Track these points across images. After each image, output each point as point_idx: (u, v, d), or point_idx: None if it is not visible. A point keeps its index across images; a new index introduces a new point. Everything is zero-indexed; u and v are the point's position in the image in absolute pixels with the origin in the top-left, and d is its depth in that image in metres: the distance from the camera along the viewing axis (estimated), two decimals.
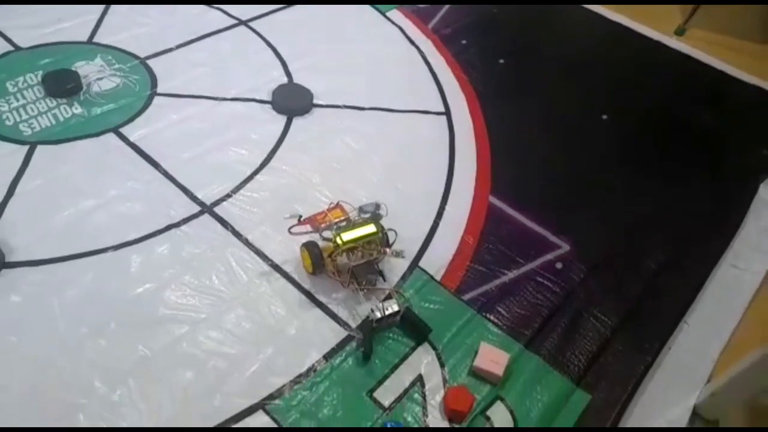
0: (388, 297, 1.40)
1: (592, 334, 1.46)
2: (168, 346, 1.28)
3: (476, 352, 1.35)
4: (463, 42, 2.30)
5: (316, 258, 1.41)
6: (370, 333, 1.33)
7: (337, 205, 1.47)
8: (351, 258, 1.38)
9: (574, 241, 1.67)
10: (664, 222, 1.77)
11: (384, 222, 1.48)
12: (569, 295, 1.54)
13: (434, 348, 1.38)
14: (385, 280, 1.45)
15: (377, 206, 1.46)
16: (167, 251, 1.44)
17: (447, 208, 1.69)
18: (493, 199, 1.75)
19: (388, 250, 1.43)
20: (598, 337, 1.46)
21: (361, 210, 1.45)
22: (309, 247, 1.42)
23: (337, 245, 1.38)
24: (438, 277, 1.51)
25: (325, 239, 1.43)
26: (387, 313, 1.34)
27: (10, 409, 1.15)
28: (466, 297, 1.49)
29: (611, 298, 1.54)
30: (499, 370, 1.30)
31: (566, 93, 2.18)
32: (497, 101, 2.07)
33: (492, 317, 1.46)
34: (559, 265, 1.61)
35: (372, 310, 1.34)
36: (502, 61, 2.26)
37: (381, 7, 2.38)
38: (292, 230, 1.43)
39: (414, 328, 1.37)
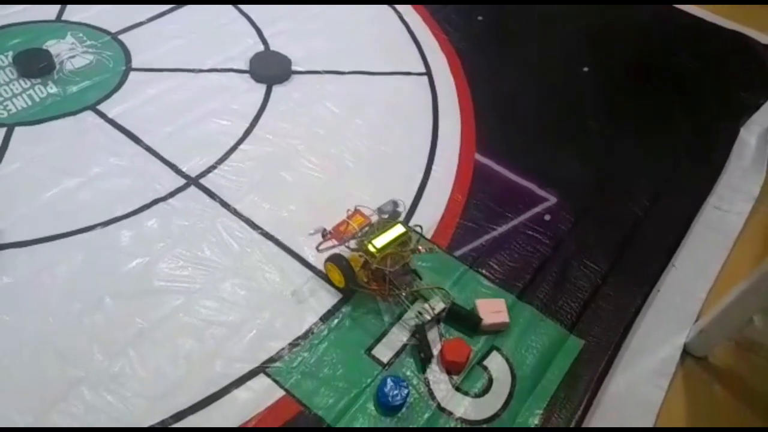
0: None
1: (582, 281, 1.49)
2: (165, 317, 1.29)
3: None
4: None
5: (348, 271, 1.30)
6: (424, 334, 1.30)
7: (356, 212, 1.37)
8: (387, 264, 1.28)
9: (561, 193, 1.69)
10: (648, 168, 1.79)
11: (372, 184, 1.48)
12: (558, 245, 1.56)
13: (429, 304, 1.39)
14: (421, 278, 1.39)
15: (395, 204, 1.37)
16: (156, 225, 1.44)
17: (434, 167, 1.70)
18: (479, 157, 1.75)
19: (421, 248, 1.36)
20: (589, 284, 1.49)
21: (380, 211, 1.36)
22: (336, 261, 1.31)
23: (372, 254, 1.27)
24: (429, 236, 1.53)
25: (351, 249, 1.33)
26: (436, 312, 1.31)
27: (13, 388, 1.15)
28: (458, 253, 1.50)
29: (599, 245, 1.56)
30: (504, 317, 1.34)
31: (546, 47, 2.18)
32: (478, 58, 2.06)
33: (484, 271, 1.48)
34: (547, 217, 1.63)
35: (420, 313, 1.30)
36: (480, 17, 2.24)
37: None
38: (320, 248, 1.35)
39: (464, 321, 1.33)
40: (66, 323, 1.24)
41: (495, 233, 1.57)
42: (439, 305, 1.32)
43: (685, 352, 1.40)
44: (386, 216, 1.37)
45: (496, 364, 1.31)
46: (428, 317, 1.31)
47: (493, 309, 1.35)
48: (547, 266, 1.52)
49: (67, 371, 1.18)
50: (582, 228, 1.61)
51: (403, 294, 1.32)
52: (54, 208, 1.43)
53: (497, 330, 1.35)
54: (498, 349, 1.33)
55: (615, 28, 2.31)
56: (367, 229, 1.34)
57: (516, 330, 1.37)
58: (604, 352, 1.35)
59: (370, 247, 1.28)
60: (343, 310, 1.36)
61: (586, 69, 2.10)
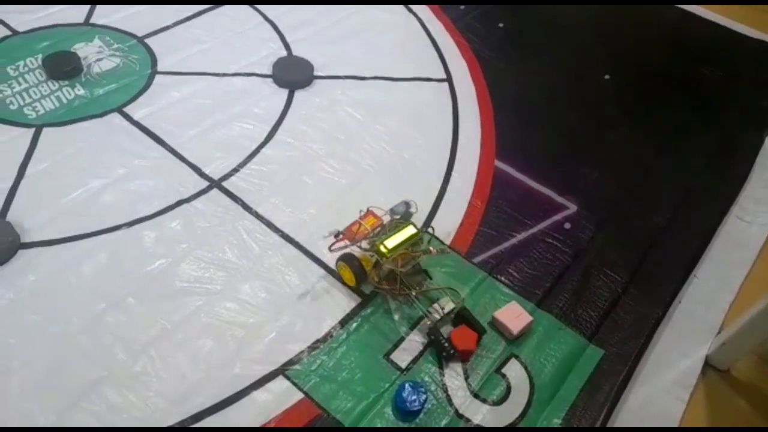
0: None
1: (602, 290, 1.48)
2: (186, 317, 1.30)
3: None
4: (462, 7, 2.28)
5: (359, 270, 1.33)
6: (439, 334, 1.29)
7: (369, 213, 1.38)
8: (397, 264, 1.30)
9: (581, 201, 1.68)
10: (670, 178, 1.78)
11: (391, 190, 1.49)
12: (579, 253, 1.55)
13: None
14: (431, 278, 1.39)
15: (407, 205, 1.39)
16: (179, 227, 1.46)
17: (453, 174, 1.70)
18: (498, 163, 1.75)
19: (433, 249, 1.37)
20: (609, 293, 1.47)
21: (392, 212, 1.38)
22: (347, 260, 1.33)
23: (383, 254, 1.29)
24: (448, 242, 1.53)
25: (363, 249, 1.35)
26: (445, 312, 1.31)
27: (36, 385, 1.17)
28: (477, 260, 1.50)
29: (620, 254, 1.55)
30: (515, 328, 1.32)
31: (568, 54, 2.17)
32: (499, 65, 2.06)
33: (503, 278, 1.47)
34: (567, 225, 1.62)
35: (429, 312, 1.30)
36: (501, 24, 2.24)
37: None
38: (332, 248, 1.34)
39: (471, 326, 1.32)
40: (90, 322, 1.27)
41: (514, 240, 1.57)
42: (449, 305, 1.33)
43: (707, 365, 1.38)
44: (398, 217, 1.38)
45: (514, 371, 1.31)
46: (438, 316, 1.30)
47: (513, 315, 1.35)
48: (566, 275, 1.51)
49: (90, 370, 1.20)
50: (602, 237, 1.60)
51: (413, 293, 1.33)
52: (79, 208, 1.46)
53: (501, 332, 1.35)
54: (517, 357, 1.33)
55: (637, 36, 2.30)
56: (379, 229, 1.35)
57: (535, 338, 1.36)
58: (624, 362, 1.34)
59: (382, 248, 1.30)
60: (362, 314, 1.36)
61: (607, 77, 2.09)
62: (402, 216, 1.38)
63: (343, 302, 1.37)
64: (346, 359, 1.28)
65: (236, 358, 1.26)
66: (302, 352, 1.28)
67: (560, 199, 1.69)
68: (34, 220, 1.42)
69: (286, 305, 1.35)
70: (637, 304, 1.45)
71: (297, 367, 1.26)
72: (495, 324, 1.36)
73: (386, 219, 1.38)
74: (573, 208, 1.67)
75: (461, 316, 1.33)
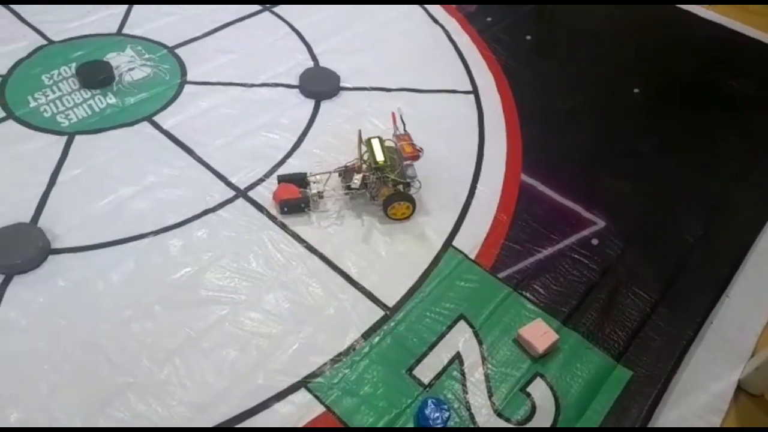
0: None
1: (631, 309, 1.45)
2: (211, 326, 1.31)
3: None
4: (488, 19, 2.28)
5: (405, 196, 1.52)
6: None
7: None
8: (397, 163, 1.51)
9: (609, 216, 1.65)
10: (701, 194, 1.74)
11: (418, 203, 1.56)
12: (606, 270, 1.53)
13: (471, 326, 1.38)
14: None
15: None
16: (205, 235, 1.47)
17: (479, 186, 1.68)
18: (524, 177, 1.73)
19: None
20: (638, 312, 1.44)
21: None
22: (396, 199, 1.52)
23: (383, 164, 1.48)
24: (472, 256, 1.51)
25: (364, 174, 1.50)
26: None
27: (64, 390, 1.18)
28: (502, 275, 1.48)
29: (649, 272, 1.52)
30: (540, 346, 1.30)
31: (596, 67, 2.14)
32: (525, 78, 2.05)
33: (528, 294, 1.45)
34: (594, 241, 1.59)
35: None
36: (528, 37, 2.23)
37: None
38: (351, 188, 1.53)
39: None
40: (116, 329, 1.28)
41: (540, 256, 1.55)
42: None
43: (740, 389, 1.34)
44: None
45: (539, 391, 1.28)
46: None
47: (538, 333, 1.33)
48: (594, 292, 1.48)
49: (116, 376, 1.21)
50: (631, 254, 1.57)
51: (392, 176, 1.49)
52: (109, 216, 1.48)
53: (525, 350, 1.33)
54: (542, 376, 1.30)
55: (668, 49, 2.26)
56: (358, 162, 1.51)
57: (561, 356, 1.34)
58: (653, 384, 1.31)
59: (378, 160, 1.48)
60: (385, 327, 1.36)
61: (636, 91, 2.06)
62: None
63: (366, 315, 1.37)
64: (369, 373, 1.27)
65: (259, 368, 1.26)
66: (325, 364, 1.28)
67: (587, 215, 1.66)
68: (64, 226, 1.44)
69: (310, 317, 1.35)
70: (667, 324, 1.42)
71: (319, 379, 1.25)
72: (520, 341, 1.34)
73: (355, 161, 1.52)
74: (601, 223, 1.64)
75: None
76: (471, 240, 1.54)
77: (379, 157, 1.49)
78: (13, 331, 1.25)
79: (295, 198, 1.50)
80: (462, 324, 1.38)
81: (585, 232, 1.62)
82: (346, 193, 1.56)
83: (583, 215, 1.66)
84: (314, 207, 1.53)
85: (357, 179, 1.49)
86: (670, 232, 1.63)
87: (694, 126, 1.96)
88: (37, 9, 2.01)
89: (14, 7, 2.00)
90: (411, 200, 1.53)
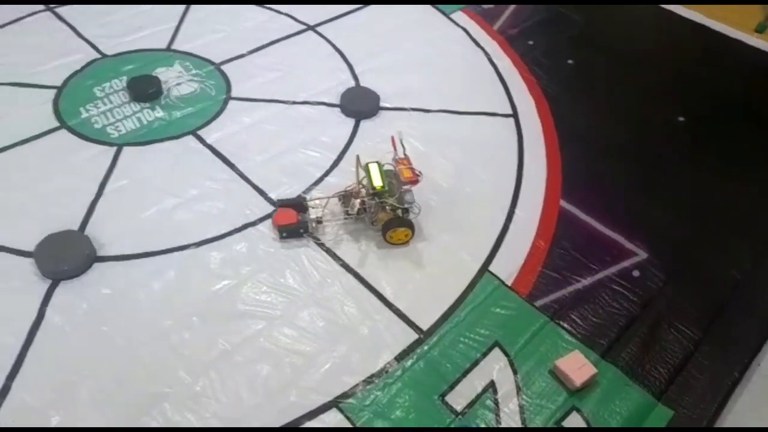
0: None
1: (673, 346, 1.41)
2: (246, 340, 1.32)
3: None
4: (530, 43, 2.27)
5: (403, 221, 1.50)
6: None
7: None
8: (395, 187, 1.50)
9: (652, 247, 1.61)
10: (749, 228, 1.68)
11: (451, 224, 1.55)
12: (647, 304, 1.49)
13: (506, 354, 1.36)
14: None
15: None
16: (244, 249, 1.49)
17: (517, 211, 1.67)
18: (564, 203, 1.71)
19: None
20: (680, 349, 1.40)
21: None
22: (392, 226, 1.50)
23: (381, 188, 1.47)
24: (509, 282, 1.49)
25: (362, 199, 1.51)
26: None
27: (102, 396, 1.21)
28: (539, 303, 1.46)
29: (693, 308, 1.47)
30: (578, 379, 1.27)
31: (640, 94, 2.11)
32: (567, 103, 2.03)
33: (566, 325, 1.43)
34: (636, 273, 1.56)
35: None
36: (571, 61, 2.21)
37: (445, 8, 2.38)
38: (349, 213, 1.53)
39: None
40: (156, 338, 1.30)
41: (579, 285, 1.52)
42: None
43: None
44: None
45: (575, 425, 1.25)
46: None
47: (576, 366, 1.30)
48: (634, 326, 1.44)
49: (154, 386, 1.23)
50: (674, 288, 1.52)
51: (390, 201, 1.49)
52: (153, 226, 1.52)
53: (562, 382, 1.30)
54: (578, 410, 1.27)
55: (712, 71, 2.22)
56: (355, 186, 1.52)
57: (599, 391, 1.30)
58: (695, 426, 1.26)
59: (376, 185, 1.47)
60: (419, 350, 1.35)
61: (681, 119, 2.02)
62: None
63: (400, 337, 1.36)
64: (401, 397, 1.26)
65: (292, 385, 1.26)
66: (357, 385, 1.27)
67: (629, 245, 1.62)
68: (110, 235, 1.48)
69: (343, 336, 1.35)
70: (711, 363, 1.37)
71: (351, 400, 1.25)
72: (556, 373, 1.31)
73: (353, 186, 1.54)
74: (642, 254, 1.60)
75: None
76: (508, 266, 1.53)
77: (377, 182, 1.47)
78: (58, 335, 1.29)
79: (294, 223, 1.50)
80: (497, 352, 1.36)
81: (626, 263, 1.58)
82: (345, 218, 1.55)
83: (625, 245, 1.62)
84: (313, 232, 1.53)
85: (355, 204, 1.49)
86: (716, 266, 1.58)
87: (743, 155, 1.91)
88: (92, 23, 2.09)
89: (71, 21, 2.09)
90: (410, 225, 1.51)
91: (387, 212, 1.50)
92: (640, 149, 1.91)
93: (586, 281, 1.53)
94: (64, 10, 2.14)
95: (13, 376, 1.21)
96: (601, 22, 2.44)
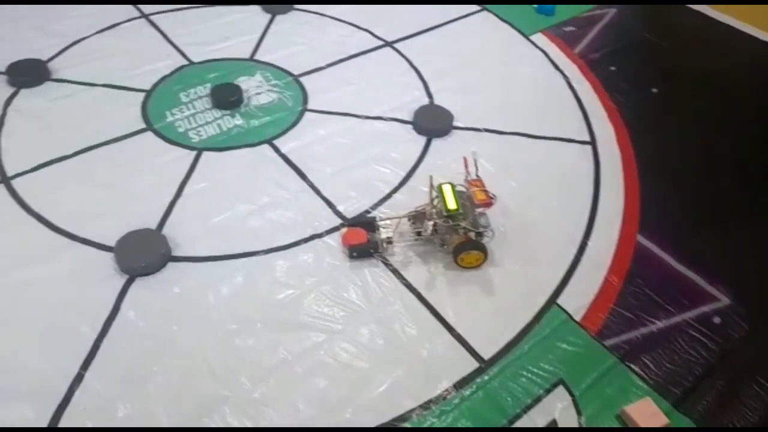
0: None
1: (754, 402, 1.30)
2: (307, 351, 1.33)
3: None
4: (612, 68, 2.20)
5: (477, 245, 1.48)
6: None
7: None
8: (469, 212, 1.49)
9: (735, 293, 1.51)
10: None
11: (520, 251, 1.51)
12: (727, 354, 1.39)
13: (571, 393, 1.30)
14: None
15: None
16: (310, 260, 1.51)
17: (589, 243, 1.60)
18: (641, 238, 1.63)
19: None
20: (762, 406, 1.30)
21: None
22: (463, 248, 1.47)
23: (455, 211, 1.45)
24: (577, 318, 1.44)
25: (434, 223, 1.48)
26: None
27: (168, 393, 1.25)
28: (609, 342, 1.39)
29: None
30: (663, 419, 1.21)
31: (728, 126, 2.00)
32: (649, 132, 1.95)
33: (637, 368, 1.35)
34: (716, 320, 1.46)
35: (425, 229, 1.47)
36: (655, 90, 2.12)
37: (525, 29, 2.34)
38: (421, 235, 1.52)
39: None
40: (221, 342, 1.34)
41: (653, 327, 1.44)
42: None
43: None
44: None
45: None
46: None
47: (646, 413, 1.23)
48: (712, 377, 1.35)
49: (216, 389, 1.26)
50: (759, 339, 1.42)
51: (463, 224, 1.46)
52: (225, 230, 1.56)
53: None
54: None
55: None
56: (428, 207, 1.51)
57: None
58: None
59: (450, 208, 1.44)
60: (478, 380, 1.31)
61: None
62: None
63: (459, 364, 1.33)
64: (457, 427, 1.23)
65: (348, 402, 1.26)
66: (413, 410, 1.25)
67: (710, 288, 1.53)
68: (184, 236, 1.54)
69: (403, 357, 1.34)
70: None
71: (406, 424, 1.23)
72: (624, 418, 1.24)
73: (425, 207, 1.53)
74: (724, 300, 1.50)
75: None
76: (577, 300, 1.47)
77: (451, 204, 1.45)
78: (131, 330, 1.34)
79: (364, 243, 1.49)
80: (561, 390, 1.31)
81: (706, 308, 1.49)
82: (416, 239, 1.53)
83: (705, 288, 1.53)
84: (382, 252, 1.51)
85: (428, 227, 1.46)
86: None
87: None
88: (183, 32, 2.20)
89: (164, 29, 2.20)
90: (483, 249, 1.48)
91: (460, 235, 1.48)
92: (726, 187, 1.80)
93: (660, 323, 1.45)
94: (158, 18, 2.26)
95: (87, 365, 1.27)
96: (690, 51, 2.33)
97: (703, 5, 2.52)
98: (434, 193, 1.51)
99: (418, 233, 1.51)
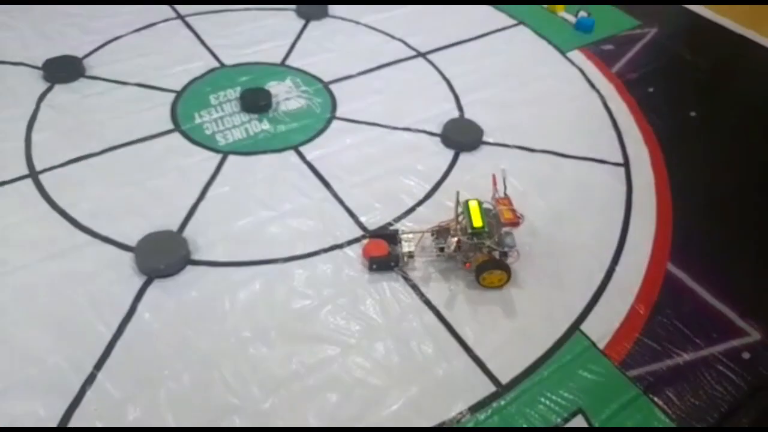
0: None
1: None
2: (319, 364, 1.31)
3: None
4: (650, 89, 2.14)
5: (501, 264, 1.45)
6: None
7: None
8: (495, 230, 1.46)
9: (767, 329, 1.44)
10: None
11: (545, 273, 1.47)
12: (757, 392, 1.33)
13: (590, 423, 1.25)
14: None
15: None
16: (329, 271, 1.49)
17: (617, 269, 1.55)
18: (672, 267, 1.57)
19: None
20: None
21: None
22: (486, 268, 1.44)
23: (481, 229, 1.41)
24: (601, 346, 1.39)
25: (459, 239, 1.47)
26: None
27: (178, 399, 1.24)
28: (632, 373, 1.34)
29: None
30: None
31: (767, 153, 1.92)
32: (685, 157, 1.88)
33: (660, 402, 1.30)
34: (746, 355, 1.40)
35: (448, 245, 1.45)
36: (693, 113, 2.06)
37: (562, 46, 2.30)
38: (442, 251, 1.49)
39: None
40: (235, 349, 1.32)
41: (679, 360, 1.38)
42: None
43: None
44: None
45: None
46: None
47: None
48: (738, 414, 1.29)
49: (226, 396, 1.24)
50: None
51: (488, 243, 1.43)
52: (246, 236, 1.55)
53: None
54: None
55: None
56: (452, 223, 1.48)
57: None
58: None
59: (476, 226, 1.41)
60: (494, 405, 1.27)
61: None
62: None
63: (476, 387, 1.30)
64: None
65: (359, 419, 1.23)
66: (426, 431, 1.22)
67: (741, 322, 1.46)
68: (205, 239, 1.53)
69: (418, 376, 1.31)
70: None
71: None
72: None
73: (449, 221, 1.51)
74: (756, 335, 1.44)
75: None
76: (601, 327, 1.42)
77: (477, 222, 1.41)
78: (146, 331, 1.34)
79: (385, 255, 1.47)
80: (579, 419, 1.26)
81: (735, 343, 1.42)
82: (438, 255, 1.49)
83: (736, 322, 1.46)
84: (403, 266, 1.49)
85: (452, 243, 1.44)
86: None
87: None
88: (217, 34, 2.22)
89: (198, 30, 2.22)
90: (506, 269, 1.43)
91: (483, 253, 1.45)
92: (763, 216, 1.73)
93: (687, 356, 1.39)
94: (193, 19, 2.28)
95: (100, 365, 1.27)
96: (730, 74, 2.26)
97: (746, 29, 2.44)
98: (460, 209, 1.47)
99: (441, 249, 1.48)
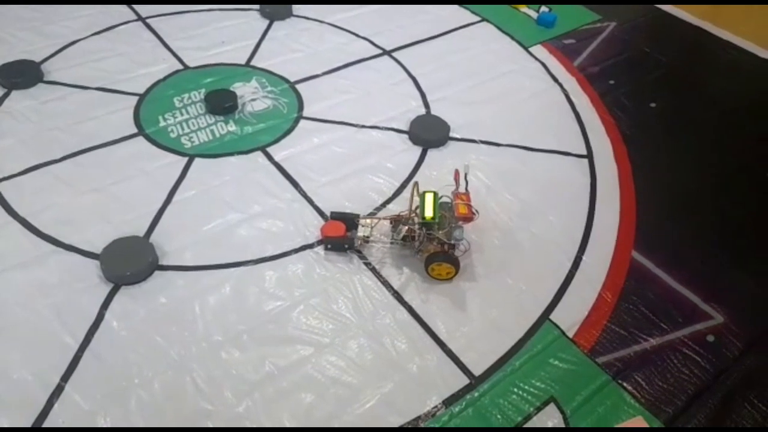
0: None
1: (747, 422, 1.29)
2: (293, 365, 1.31)
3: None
4: (611, 82, 2.19)
5: (449, 258, 1.46)
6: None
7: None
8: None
9: (730, 312, 1.49)
10: None
11: (515, 266, 1.49)
12: (721, 374, 1.37)
13: (562, 411, 1.28)
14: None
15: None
16: (300, 271, 1.48)
17: (584, 258, 1.58)
18: (636, 255, 1.61)
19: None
20: (755, 426, 1.27)
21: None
22: (434, 260, 1.46)
23: (431, 219, 1.43)
24: (570, 334, 1.41)
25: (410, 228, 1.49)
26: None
27: (150, 407, 1.22)
28: (601, 360, 1.37)
29: None
30: None
31: (727, 143, 1.98)
32: (646, 148, 1.93)
33: (629, 386, 1.33)
34: (710, 338, 1.44)
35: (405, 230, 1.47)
36: (653, 104, 2.11)
37: (524, 41, 2.33)
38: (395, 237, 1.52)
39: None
40: (206, 353, 1.31)
41: (646, 345, 1.42)
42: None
43: None
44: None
45: None
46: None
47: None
48: (704, 396, 1.33)
49: (199, 402, 1.23)
50: (753, 358, 1.40)
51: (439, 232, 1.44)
52: (214, 239, 1.53)
53: None
54: None
55: None
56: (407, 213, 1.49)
57: None
58: None
59: (426, 216, 1.43)
60: (468, 397, 1.29)
61: None
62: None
63: (450, 380, 1.31)
64: None
65: (334, 418, 1.23)
66: (400, 427, 1.23)
67: (705, 306, 1.51)
68: (173, 244, 1.51)
69: (391, 372, 1.31)
70: None
71: None
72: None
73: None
74: (719, 318, 1.48)
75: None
76: (570, 316, 1.45)
77: (428, 212, 1.43)
78: (114, 340, 1.31)
79: (341, 236, 1.49)
80: (552, 407, 1.28)
81: (700, 326, 1.47)
82: (392, 242, 1.52)
83: (700, 307, 1.51)
84: (360, 249, 1.52)
85: (401, 231, 1.47)
86: None
87: None
88: (179, 36, 2.18)
89: (160, 32, 2.19)
90: (454, 263, 1.45)
91: (435, 245, 1.46)
92: (723, 203, 1.79)
93: (654, 341, 1.42)
94: (155, 21, 2.24)
95: (68, 377, 1.24)
96: (689, 65, 2.32)
97: (704, 21, 2.52)
98: (417, 200, 1.49)
99: (393, 237, 1.50)
